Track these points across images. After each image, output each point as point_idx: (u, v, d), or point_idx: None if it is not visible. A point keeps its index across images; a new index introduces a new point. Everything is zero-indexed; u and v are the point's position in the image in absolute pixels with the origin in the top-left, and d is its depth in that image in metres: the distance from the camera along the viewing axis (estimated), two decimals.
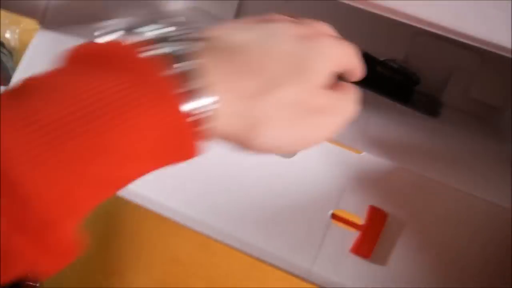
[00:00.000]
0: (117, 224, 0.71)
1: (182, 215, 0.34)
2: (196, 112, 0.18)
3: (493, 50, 0.26)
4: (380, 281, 0.32)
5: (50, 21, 0.37)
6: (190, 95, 0.18)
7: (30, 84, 0.18)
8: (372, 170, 0.34)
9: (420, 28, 0.27)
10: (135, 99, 0.17)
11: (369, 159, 0.34)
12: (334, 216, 0.33)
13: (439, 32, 0.25)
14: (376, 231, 0.33)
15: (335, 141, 0.35)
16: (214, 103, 0.19)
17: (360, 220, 0.33)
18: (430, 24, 0.25)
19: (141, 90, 0.17)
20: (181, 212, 0.34)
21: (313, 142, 0.23)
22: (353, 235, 0.33)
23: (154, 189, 0.34)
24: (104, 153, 0.17)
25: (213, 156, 0.33)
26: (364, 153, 0.34)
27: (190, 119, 0.18)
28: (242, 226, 0.33)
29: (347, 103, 0.23)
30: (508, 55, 0.26)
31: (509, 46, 0.25)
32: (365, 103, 0.32)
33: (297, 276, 0.32)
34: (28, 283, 0.69)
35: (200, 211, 0.34)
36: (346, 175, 0.34)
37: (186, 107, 0.18)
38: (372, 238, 0.33)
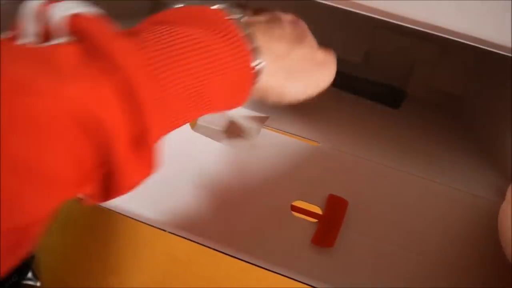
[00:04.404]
0: (116, 224, 0.71)
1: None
2: (255, 65, 0.25)
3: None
4: (345, 270, 0.32)
5: None
6: (253, 53, 0.25)
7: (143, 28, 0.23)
8: (330, 161, 0.34)
9: (379, 22, 0.27)
10: (223, 48, 0.23)
11: (326, 150, 0.34)
12: (293, 208, 0.33)
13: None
14: (337, 219, 0.33)
15: (292, 133, 0.35)
16: (263, 61, 0.26)
17: (320, 210, 0.33)
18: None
19: (229, 43, 0.24)
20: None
21: (322, 86, 0.31)
22: (315, 226, 0.33)
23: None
24: (195, 72, 0.22)
25: (171, 160, 0.33)
26: (321, 144, 0.34)
27: (252, 72, 0.25)
28: (204, 220, 0.33)
29: (333, 59, 0.32)
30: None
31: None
32: (326, 98, 0.33)
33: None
34: (27, 283, 0.68)
35: (151, 207, 0.33)
36: (304, 166, 0.34)
37: (252, 62, 0.25)
38: (334, 227, 0.33)
